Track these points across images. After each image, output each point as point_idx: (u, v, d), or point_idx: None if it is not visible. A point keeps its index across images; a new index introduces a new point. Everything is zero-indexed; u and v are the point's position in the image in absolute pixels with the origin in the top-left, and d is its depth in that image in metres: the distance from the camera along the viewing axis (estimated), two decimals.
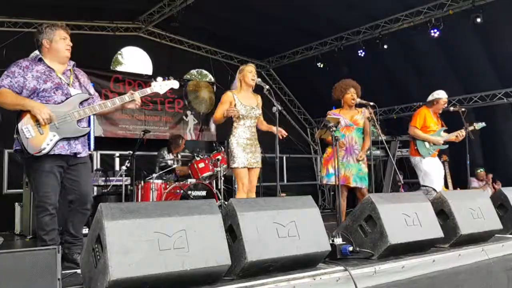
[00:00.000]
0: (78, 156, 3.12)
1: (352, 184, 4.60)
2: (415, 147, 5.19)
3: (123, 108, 3.33)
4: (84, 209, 3.18)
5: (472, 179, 7.88)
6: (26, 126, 2.89)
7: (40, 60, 3.08)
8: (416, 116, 5.27)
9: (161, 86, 3.39)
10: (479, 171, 8.02)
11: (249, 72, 4.25)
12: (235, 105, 4.16)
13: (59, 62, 3.13)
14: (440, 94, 5.29)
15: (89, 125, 3.24)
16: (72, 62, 3.24)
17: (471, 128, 5.41)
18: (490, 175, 8.09)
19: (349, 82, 4.86)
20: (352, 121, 4.75)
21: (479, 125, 5.52)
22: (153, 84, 3.38)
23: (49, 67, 3.07)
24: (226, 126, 4.37)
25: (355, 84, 4.85)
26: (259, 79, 4.27)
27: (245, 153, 4.13)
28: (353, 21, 7.87)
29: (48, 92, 2.99)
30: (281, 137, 4.14)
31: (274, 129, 4.15)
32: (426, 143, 5.15)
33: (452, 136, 5.30)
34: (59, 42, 3.09)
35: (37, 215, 3.00)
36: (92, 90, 3.32)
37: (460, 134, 5.31)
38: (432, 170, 5.14)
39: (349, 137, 4.73)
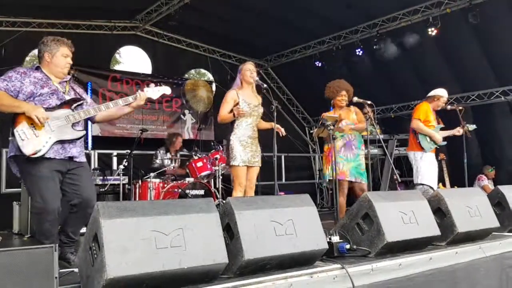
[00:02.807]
0: (75, 160, 3.09)
1: (348, 178, 4.61)
2: (417, 141, 5.13)
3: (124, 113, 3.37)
4: (88, 213, 3.13)
5: (482, 176, 7.91)
6: (21, 129, 2.88)
7: (38, 68, 3.12)
8: (418, 110, 5.23)
9: (154, 91, 3.42)
10: (489, 170, 7.98)
11: (247, 71, 4.24)
12: (238, 103, 4.15)
13: (56, 76, 3.16)
14: (441, 92, 5.30)
15: (85, 129, 3.26)
16: (69, 76, 3.26)
17: (464, 129, 5.43)
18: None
19: (342, 84, 4.86)
20: (351, 121, 4.80)
21: (471, 127, 5.54)
22: (146, 89, 3.40)
23: (46, 75, 3.10)
24: (225, 125, 4.36)
25: (347, 87, 4.85)
26: (257, 78, 4.27)
27: (245, 151, 4.11)
28: (351, 20, 7.88)
29: (44, 96, 3.01)
30: (281, 135, 4.15)
31: (272, 124, 4.10)
32: (428, 138, 5.13)
33: (450, 134, 5.32)
34: (60, 58, 3.11)
35: (37, 223, 2.92)
36: (88, 99, 3.36)
37: (458, 132, 5.34)
38: (430, 166, 5.13)
39: (348, 134, 4.76)
